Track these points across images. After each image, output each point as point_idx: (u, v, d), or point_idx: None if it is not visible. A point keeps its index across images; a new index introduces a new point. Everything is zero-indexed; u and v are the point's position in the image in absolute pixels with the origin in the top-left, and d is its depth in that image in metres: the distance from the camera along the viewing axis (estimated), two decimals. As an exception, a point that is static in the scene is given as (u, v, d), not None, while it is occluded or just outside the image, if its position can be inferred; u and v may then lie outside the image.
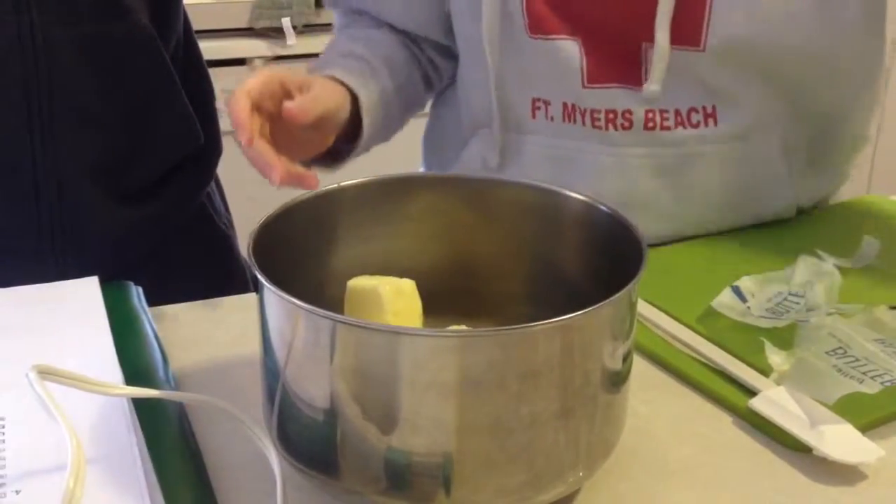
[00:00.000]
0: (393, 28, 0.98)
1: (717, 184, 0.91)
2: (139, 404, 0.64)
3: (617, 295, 0.54)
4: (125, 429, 0.62)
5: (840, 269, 0.85)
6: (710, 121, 0.88)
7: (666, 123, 0.88)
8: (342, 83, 0.86)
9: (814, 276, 0.84)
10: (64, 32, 0.87)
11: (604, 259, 0.64)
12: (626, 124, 0.88)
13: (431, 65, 1.00)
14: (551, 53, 0.88)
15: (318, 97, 0.77)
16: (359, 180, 0.68)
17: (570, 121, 0.90)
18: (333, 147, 0.87)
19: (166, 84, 0.93)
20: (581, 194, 0.66)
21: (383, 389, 0.52)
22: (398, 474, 0.53)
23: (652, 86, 0.86)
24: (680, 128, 0.88)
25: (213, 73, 1.06)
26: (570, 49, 0.88)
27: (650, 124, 0.88)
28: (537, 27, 0.88)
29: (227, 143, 1.06)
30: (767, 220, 0.96)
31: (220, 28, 2.03)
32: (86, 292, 0.79)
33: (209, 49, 1.08)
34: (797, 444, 0.64)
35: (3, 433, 0.62)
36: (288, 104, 0.73)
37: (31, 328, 0.74)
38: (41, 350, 0.71)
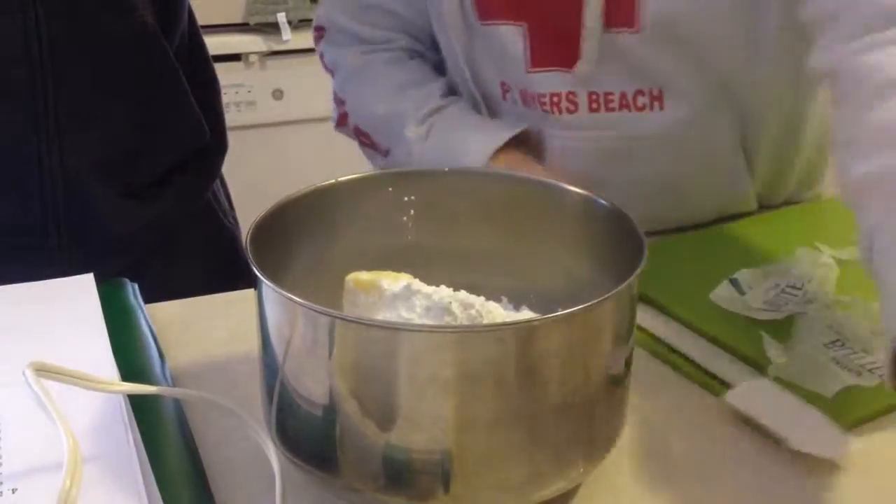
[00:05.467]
0: (408, 51, 0.99)
1: (669, 170, 0.92)
2: (136, 401, 0.64)
3: (617, 289, 0.54)
4: (122, 426, 0.62)
5: (838, 260, 0.85)
6: (657, 104, 0.88)
7: (611, 105, 0.88)
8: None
9: (812, 267, 0.84)
10: (68, 29, 0.87)
11: (603, 253, 0.64)
12: (572, 107, 0.89)
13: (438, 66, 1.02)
14: (496, 39, 0.90)
15: None
16: (356, 175, 0.68)
17: (527, 105, 0.92)
18: None
19: (171, 81, 0.93)
20: (580, 188, 0.66)
21: (382, 385, 0.52)
22: (397, 471, 0.53)
23: (584, 66, 0.86)
24: (625, 110, 0.89)
25: (209, 69, 1.05)
26: (512, 34, 0.89)
27: (594, 105, 0.89)
28: (485, 13, 0.90)
29: (232, 140, 1.07)
30: (726, 213, 0.96)
31: (215, 23, 2.03)
32: (82, 290, 0.79)
33: (204, 44, 1.08)
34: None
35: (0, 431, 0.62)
36: None
37: (27, 326, 0.74)
38: (37, 348, 0.71)
